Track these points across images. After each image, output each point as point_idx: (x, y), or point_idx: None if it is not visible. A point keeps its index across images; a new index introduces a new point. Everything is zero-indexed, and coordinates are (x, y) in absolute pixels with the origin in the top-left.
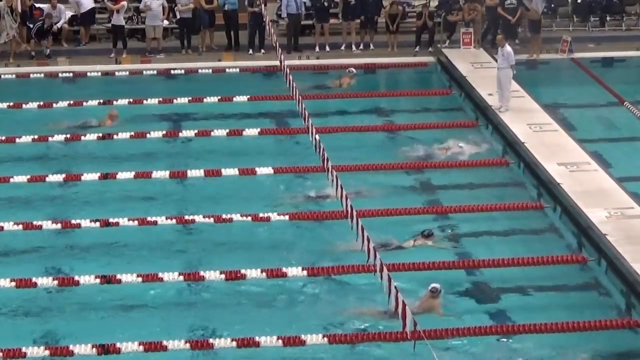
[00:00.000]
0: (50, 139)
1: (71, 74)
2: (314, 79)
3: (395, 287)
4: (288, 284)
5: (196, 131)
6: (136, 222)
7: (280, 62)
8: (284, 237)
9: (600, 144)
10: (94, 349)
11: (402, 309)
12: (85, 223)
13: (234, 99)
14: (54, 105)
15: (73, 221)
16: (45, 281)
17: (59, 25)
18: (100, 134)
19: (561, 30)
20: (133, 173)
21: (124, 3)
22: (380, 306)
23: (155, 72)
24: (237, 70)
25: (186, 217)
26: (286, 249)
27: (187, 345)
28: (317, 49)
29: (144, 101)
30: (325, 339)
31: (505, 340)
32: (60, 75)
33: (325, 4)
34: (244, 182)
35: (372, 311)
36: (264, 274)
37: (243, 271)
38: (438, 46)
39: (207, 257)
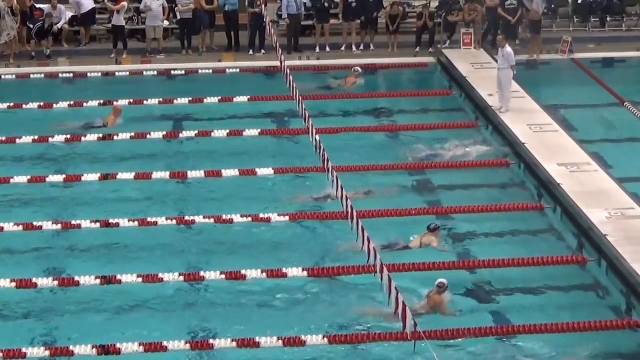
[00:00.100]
0: (50, 139)
1: (71, 74)
2: (314, 79)
3: (396, 287)
4: (288, 284)
5: (196, 131)
6: (136, 223)
7: (281, 63)
8: (284, 238)
9: (601, 144)
10: (94, 349)
11: (402, 309)
12: (86, 223)
13: (234, 99)
14: (54, 105)
15: (73, 221)
16: (45, 281)
17: (59, 25)
18: (101, 135)
19: (561, 31)
20: (133, 173)
21: (124, 3)
22: (380, 306)
23: (155, 72)
24: (238, 70)
25: (186, 218)
26: (286, 249)
27: (187, 345)
28: (317, 49)
29: (144, 101)
30: (326, 339)
31: (505, 340)
32: (60, 75)
33: (326, 4)
34: (244, 182)
35: (373, 311)
36: (264, 274)
37: (243, 271)
38: (438, 46)
39: (207, 257)
